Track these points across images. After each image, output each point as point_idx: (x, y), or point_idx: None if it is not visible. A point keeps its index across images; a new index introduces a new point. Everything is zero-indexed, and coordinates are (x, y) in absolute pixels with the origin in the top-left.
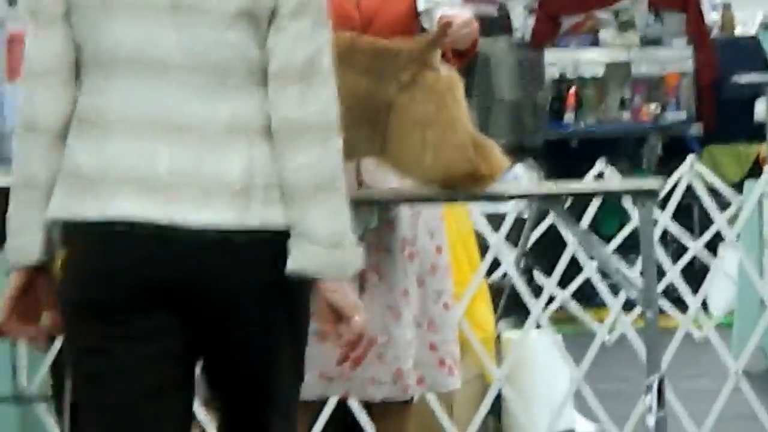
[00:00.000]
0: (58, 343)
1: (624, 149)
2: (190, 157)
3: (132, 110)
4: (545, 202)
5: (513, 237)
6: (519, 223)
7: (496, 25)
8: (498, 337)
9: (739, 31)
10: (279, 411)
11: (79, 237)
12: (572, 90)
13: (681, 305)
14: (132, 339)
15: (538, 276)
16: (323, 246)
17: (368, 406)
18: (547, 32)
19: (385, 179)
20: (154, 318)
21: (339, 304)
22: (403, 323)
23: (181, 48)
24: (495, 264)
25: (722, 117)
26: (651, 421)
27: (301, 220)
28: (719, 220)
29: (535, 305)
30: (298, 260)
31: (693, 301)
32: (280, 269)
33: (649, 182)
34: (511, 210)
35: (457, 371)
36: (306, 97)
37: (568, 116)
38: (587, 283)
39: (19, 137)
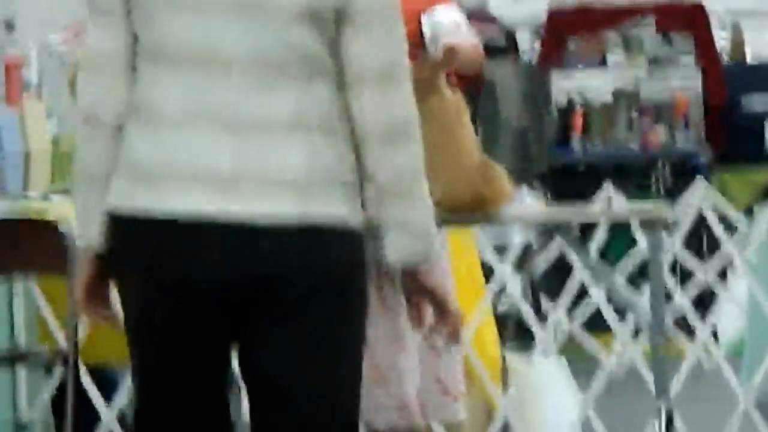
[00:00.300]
0: (58, 372)
1: (632, 174)
2: (252, 152)
3: (194, 105)
4: (552, 228)
5: (520, 263)
6: (526, 249)
7: (502, 47)
8: (504, 365)
9: (748, 52)
10: (342, 404)
11: (141, 230)
12: (579, 113)
13: (690, 332)
14: (190, 334)
15: (545, 303)
16: (422, 236)
17: None
18: (553, 55)
19: None
20: (211, 312)
21: (433, 284)
22: (408, 352)
23: (244, 44)
24: (501, 290)
25: (732, 141)
26: None
27: (402, 214)
28: (729, 246)
29: (541, 333)
30: (399, 251)
31: (702, 329)
32: (345, 262)
33: (658, 209)
34: (517, 236)
35: (461, 400)
36: (396, 99)
37: (575, 140)
38: (595, 310)
39: (80, 130)
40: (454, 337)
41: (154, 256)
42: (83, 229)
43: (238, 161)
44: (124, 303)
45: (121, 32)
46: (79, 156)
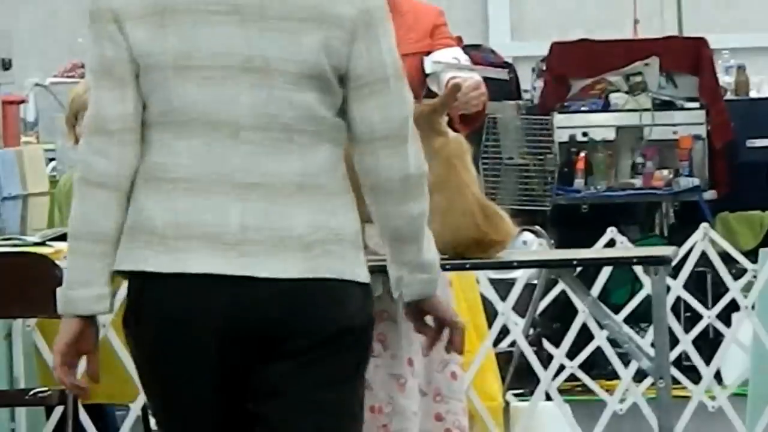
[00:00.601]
0: (58, 412)
1: (636, 215)
2: (260, 213)
3: (204, 168)
4: (555, 270)
5: (522, 304)
6: (528, 289)
7: (505, 88)
8: (506, 407)
9: (753, 94)
10: None
11: (155, 290)
12: (582, 154)
13: (694, 375)
14: (202, 389)
15: (548, 345)
16: (432, 271)
17: None
18: (556, 95)
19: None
20: (223, 366)
21: (442, 310)
22: (407, 393)
23: (253, 108)
24: (503, 331)
25: (736, 183)
26: None
27: (416, 257)
28: (733, 288)
29: (544, 375)
30: (416, 288)
31: (706, 371)
32: (348, 315)
33: (662, 250)
34: (520, 277)
35: None
36: (409, 155)
37: (578, 181)
38: (598, 352)
39: (84, 191)
40: (460, 347)
41: (168, 314)
42: (82, 290)
43: (246, 223)
44: (139, 358)
45: (131, 97)
46: (81, 218)
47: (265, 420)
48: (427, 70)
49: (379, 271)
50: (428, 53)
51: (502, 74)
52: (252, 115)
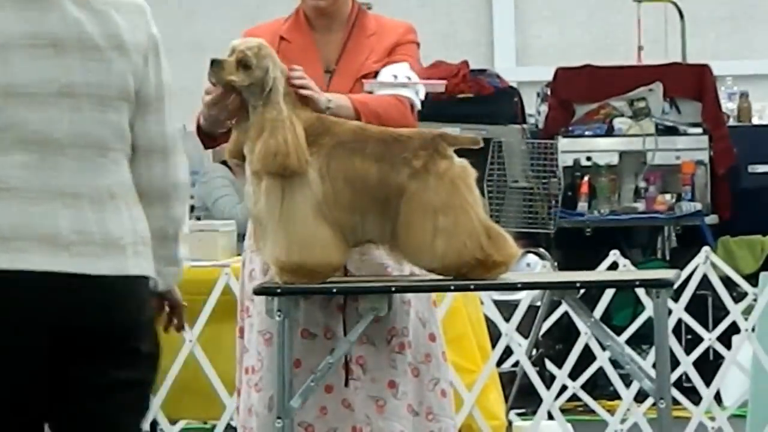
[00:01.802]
0: None
1: (638, 238)
2: (84, 219)
3: (37, 179)
4: (558, 292)
5: (525, 325)
6: (531, 311)
7: (510, 112)
8: (509, 426)
9: (756, 120)
10: None
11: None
12: (586, 178)
13: (694, 396)
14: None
15: (550, 365)
16: (180, 267)
17: None
18: (560, 120)
19: (374, 268)
20: (52, 357)
21: (177, 297)
22: (388, 414)
23: (73, 128)
24: (507, 352)
25: (738, 207)
26: None
27: (173, 254)
28: (734, 311)
29: (546, 394)
30: (169, 281)
31: (706, 392)
32: (150, 306)
33: (664, 273)
34: (523, 298)
35: None
36: (177, 165)
37: (582, 205)
38: (600, 372)
39: None
40: (182, 323)
41: (3, 309)
42: None
43: (74, 227)
44: None
45: None
46: None
47: (93, 416)
48: (365, 89)
49: (386, 290)
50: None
51: (438, 87)
52: (73, 135)
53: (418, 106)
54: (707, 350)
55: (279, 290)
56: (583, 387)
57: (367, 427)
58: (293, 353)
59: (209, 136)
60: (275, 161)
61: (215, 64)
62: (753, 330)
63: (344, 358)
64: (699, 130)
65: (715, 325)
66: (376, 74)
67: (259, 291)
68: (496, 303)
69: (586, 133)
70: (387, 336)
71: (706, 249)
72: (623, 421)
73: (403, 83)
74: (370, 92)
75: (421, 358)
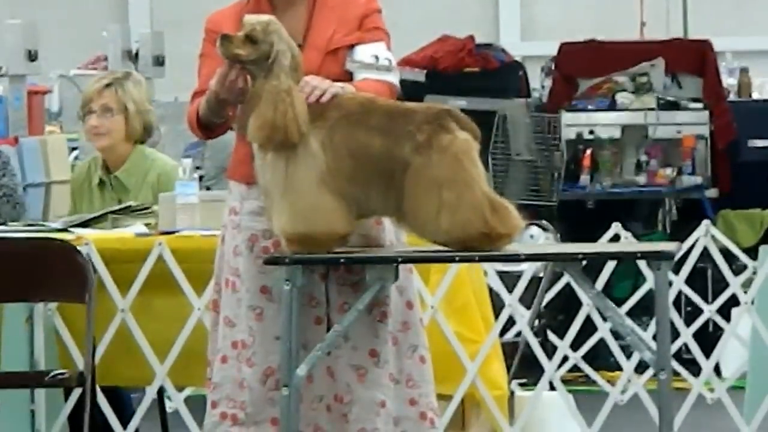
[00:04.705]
0: (76, 393)
1: (639, 211)
2: None
3: None
4: (561, 263)
5: (528, 296)
6: (534, 282)
7: (515, 86)
8: (511, 396)
9: (756, 95)
10: None
11: None
12: (588, 152)
13: (694, 367)
14: None
15: (552, 336)
16: None
17: None
18: (564, 94)
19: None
20: None
21: None
22: (369, 383)
23: None
24: (509, 322)
25: (738, 181)
26: None
27: None
28: (734, 284)
29: (548, 365)
30: None
31: (706, 364)
32: None
33: (665, 245)
34: (526, 269)
35: (438, 423)
36: None
37: (584, 178)
38: (601, 343)
39: None
40: None
41: None
42: None
43: None
44: None
45: None
46: None
47: None
48: (346, 67)
49: (393, 261)
50: (351, 51)
51: (419, 76)
52: None
53: (399, 89)
54: (707, 322)
55: (287, 260)
56: (584, 358)
57: (348, 396)
58: (291, 324)
59: (207, 127)
60: (264, 133)
61: (224, 38)
62: (752, 303)
63: (326, 326)
64: (700, 105)
65: (714, 298)
66: (350, 48)
67: (269, 261)
68: (500, 274)
69: (589, 107)
70: (369, 305)
71: (706, 222)
72: (623, 391)
73: (387, 67)
74: (351, 72)
75: (399, 326)
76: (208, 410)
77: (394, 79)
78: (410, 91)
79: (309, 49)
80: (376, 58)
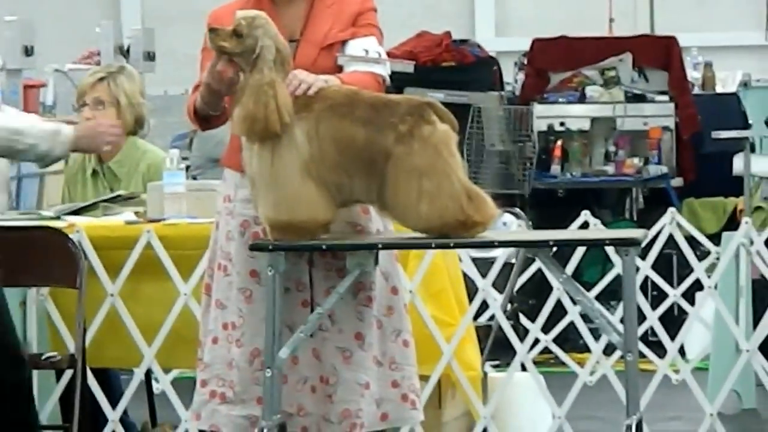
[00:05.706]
0: (67, 375)
1: (608, 200)
2: None
3: None
4: (532, 249)
5: (501, 281)
6: (507, 267)
7: (489, 79)
8: (485, 377)
9: (719, 89)
10: None
11: None
12: (559, 143)
13: (659, 349)
14: None
15: (524, 319)
16: None
17: None
18: (536, 88)
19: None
20: None
21: None
22: (354, 366)
23: None
24: (483, 306)
25: (702, 171)
26: None
27: None
28: (698, 269)
29: (520, 347)
30: None
31: (671, 346)
32: None
33: (632, 232)
34: (499, 255)
35: (419, 405)
36: None
37: (555, 167)
38: (570, 326)
39: None
40: None
41: None
42: None
43: None
44: None
45: None
46: None
47: None
48: (338, 62)
49: (373, 248)
50: (343, 46)
51: (408, 67)
52: None
53: (388, 81)
54: (672, 306)
55: (270, 247)
56: (555, 340)
57: (333, 377)
58: (275, 308)
59: (204, 119)
60: (246, 125)
61: (212, 31)
62: (715, 287)
63: (311, 309)
64: (665, 97)
65: (679, 282)
66: (343, 43)
67: (254, 247)
68: (474, 260)
69: (560, 100)
70: (354, 289)
71: (671, 210)
72: (592, 373)
73: (376, 59)
74: (341, 65)
75: (384, 311)
76: (198, 388)
77: (382, 71)
78: (395, 83)
79: (305, 44)
80: (366, 51)
